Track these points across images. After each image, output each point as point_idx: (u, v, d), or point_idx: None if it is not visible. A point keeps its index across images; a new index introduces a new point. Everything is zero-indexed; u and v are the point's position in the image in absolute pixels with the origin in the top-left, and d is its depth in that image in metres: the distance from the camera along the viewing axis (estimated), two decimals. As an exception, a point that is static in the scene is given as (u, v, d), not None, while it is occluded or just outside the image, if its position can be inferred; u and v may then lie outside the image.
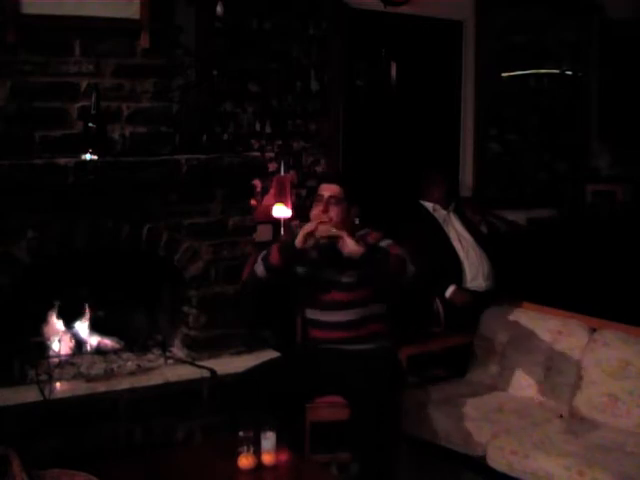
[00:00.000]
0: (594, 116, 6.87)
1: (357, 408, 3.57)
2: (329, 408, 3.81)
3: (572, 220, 6.41)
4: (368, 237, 3.76)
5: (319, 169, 5.45)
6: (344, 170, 5.54)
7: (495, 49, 6.28)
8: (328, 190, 3.79)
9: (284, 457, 3.25)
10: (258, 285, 3.85)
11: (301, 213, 5.08)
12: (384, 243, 3.70)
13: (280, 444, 3.24)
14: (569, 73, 6.75)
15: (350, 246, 3.53)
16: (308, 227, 3.62)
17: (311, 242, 3.61)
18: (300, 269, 3.86)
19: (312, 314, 3.91)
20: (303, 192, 5.36)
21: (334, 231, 3.58)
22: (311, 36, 5.38)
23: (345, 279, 3.77)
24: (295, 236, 3.68)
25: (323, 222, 3.64)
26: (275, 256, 3.69)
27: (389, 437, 3.52)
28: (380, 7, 5.61)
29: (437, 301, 4.87)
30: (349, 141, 5.64)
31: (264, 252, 3.77)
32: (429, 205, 5.21)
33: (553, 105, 6.67)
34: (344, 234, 3.55)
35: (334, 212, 3.73)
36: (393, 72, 5.91)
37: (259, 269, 3.75)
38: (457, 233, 5.17)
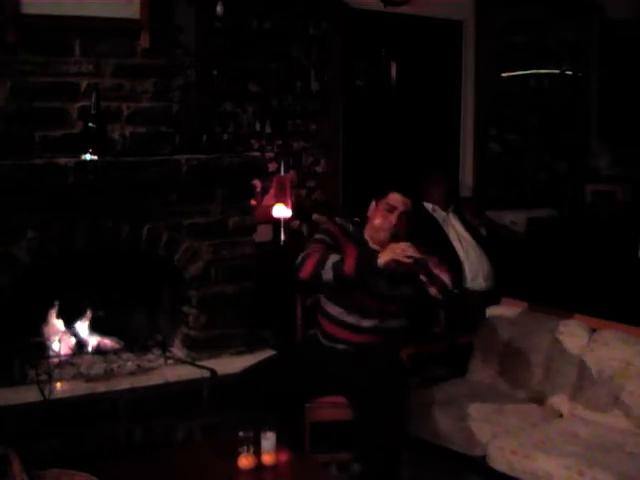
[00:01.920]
0: (594, 116, 6.88)
1: (361, 409, 3.56)
2: (329, 408, 3.81)
3: (572, 220, 6.41)
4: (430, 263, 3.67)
5: (319, 169, 5.45)
6: (344, 170, 5.54)
7: (495, 49, 6.28)
8: (402, 204, 3.72)
9: (284, 457, 3.25)
10: (322, 285, 3.75)
11: (301, 213, 5.10)
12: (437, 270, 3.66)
13: (280, 444, 3.23)
14: (569, 73, 6.76)
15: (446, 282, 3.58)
16: (401, 253, 3.47)
17: (393, 265, 3.50)
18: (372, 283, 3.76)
19: (335, 311, 3.84)
20: (303, 192, 5.36)
21: (418, 256, 3.50)
22: (311, 36, 5.39)
23: (389, 292, 3.76)
24: (374, 252, 3.60)
25: (409, 254, 3.49)
26: (351, 268, 3.50)
27: (393, 438, 3.50)
28: (380, 7, 5.61)
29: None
30: (349, 141, 5.64)
31: (336, 257, 3.55)
32: (429, 206, 5.21)
33: (553, 105, 6.68)
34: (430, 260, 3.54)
35: (401, 228, 3.68)
36: (393, 72, 5.91)
37: (327, 275, 3.53)
38: (457, 233, 5.18)
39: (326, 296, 3.89)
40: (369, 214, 3.82)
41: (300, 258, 3.64)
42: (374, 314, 3.78)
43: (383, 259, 3.48)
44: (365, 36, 5.72)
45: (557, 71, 6.68)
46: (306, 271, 3.59)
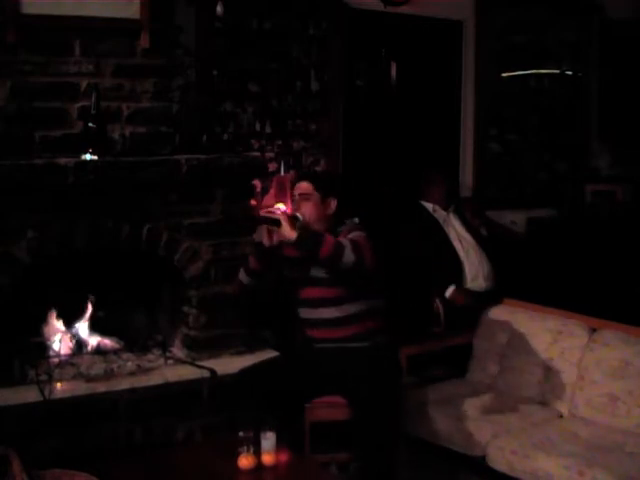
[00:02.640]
0: (594, 116, 6.87)
1: (358, 408, 3.58)
2: (328, 408, 3.81)
3: (572, 220, 6.41)
4: (344, 231, 3.77)
5: (319, 169, 5.45)
6: (344, 170, 5.54)
7: (495, 49, 6.28)
8: (298, 189, 3.88)
9: (284, 457, 3.25)
10: (246, 292, 3.95)
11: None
12: (353, 234, 3.70)
13: (280, 444, 3.24)
14: (569, 73, 6.75)
15: (285, 232, 3.55)
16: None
17: (276, 239, 3.63)
18: (285, 270, 3.89)
19: (304, 313, 3.91)
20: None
21: (272, 215, 3.67)
22: (311, 36, 5.38)
23: (319, 274, 3.77)
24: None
25: (268, 211, 3.79)
26: (252, 260, 3.82)
27: (390, 437, 3.53)
28: (380, 7, 5.61)
29: (437, 301, 4.88)
30: (349, 141, 5.64)
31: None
32: (429, 206, 5.21)
33: (553, 105, 6.68)
34: (283, 218, 3.58)
35: (305, 208, 3.79)
36: (393, 72, 5.91)
37: (242, 277, 3.88)
38: (457, 233, 5.18)
39: (294, 302, 3.96)
40: None
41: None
42: (332, 302, 3.79)
43: (263, 238, 3.70)
44: (365, 36, 5.72)
45: (557, 71, 6.67)
46: (234, 288, 4.06)
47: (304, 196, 3.83)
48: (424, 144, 5.98)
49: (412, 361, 4.29)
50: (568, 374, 4.12)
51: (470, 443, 3.88)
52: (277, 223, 3.57)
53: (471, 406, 4.09)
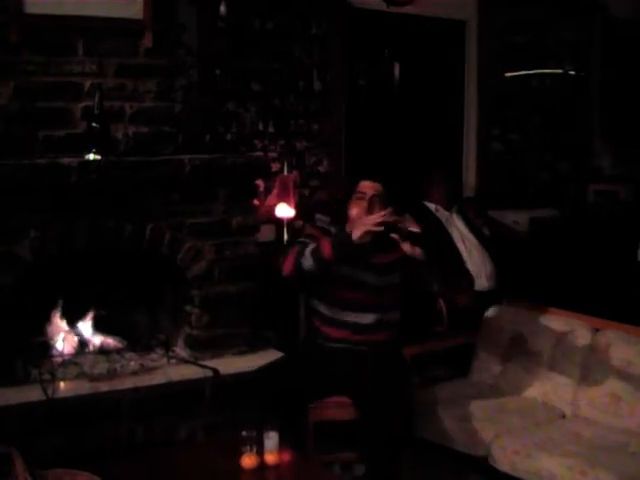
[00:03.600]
0: (596, 116, 6.87)
1: (367, 409, 3.56)
2: (332, 408, 3.81)
3: (574, 220, 6.41)
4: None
5: (322, 169, 5.45)
6: (347, 170, 5.54)
7: (498, 49, 6.28)
8: (371, 188, 3.79)
9: (287, 457, 3.25)
10: (305, 278, 3.76)
11: (304, 213, 5.09)
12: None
13: (283, 444, 3.24)
14: (572, 73, 6.75)
15: (408, 248, 3.53)
16: (370, 222, 3.53)
17: (368, 238, 3.53)
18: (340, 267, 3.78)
19: (329, 311, 3.88)
20: (306, 192, 5.36)
21: (396, 218, 3.55)
22: (313, 36, 5.38)
23: (373, 281, 3.78)
24: (348, 233, 3.62)
25: (380, 221, 3.53)
26: (327, 251, 3.59)
27: (399, 438, 3.51)
28: (383, 7, 5.60)
29: (440, 301, 4.88)
30: (352, 141, 5.64)
31: (312, 246, 3.65)
32: (431, 206, 5.21)
33: (555, 105, 6.68)
34: (405, 220, 3.56)
35: (377, 211, 3.65)
36: (396, 72, 5.91)
37: (307, 262, 3.62)
38: (460, 233, 5.18)
39: (318, 298, 3.93)
40: (348, 211, 3.87)
41: (282, 258, 3.75)
42: (367, 308, 3.80)
43: (356, 233, 3.53)
44: (368, 36, 5.72)
45: (559, 71, 6.67)
46: (287, 266, 3.71)
47: (377, 198, 3.75)
48: (427, 144, 5.98)
49: (414, 361, 4.29)
50: (571, 374, 4.12)
51: (473, 443, 3.89)
52: (404, 235, 3.53)
53: (474, 406, 4.09)
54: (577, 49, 6.73)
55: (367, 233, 3.51)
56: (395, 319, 3.90)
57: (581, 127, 6.83)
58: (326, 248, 3.60)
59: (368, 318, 3.81)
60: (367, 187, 3.79)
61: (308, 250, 3.64)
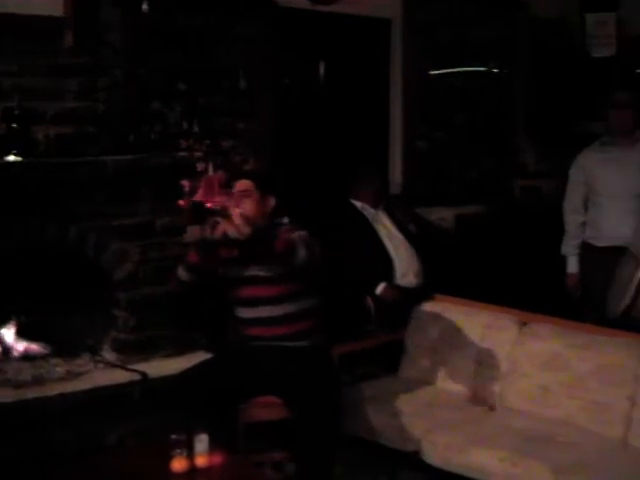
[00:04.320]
0: (520, 113, 6.97)
1: (297, 408, 3.57)
2: (263, 408, 3.80)
3: (500, 215, 6.49)
4: (284, 229, 3.76)
5: (249, 167, 5.42)
6: (273, 168, 5.52)
7: (423, 47, 6.32)
8: (239, 186, 3.84)
9: (218, 459, 3.22)
10: (185, 289, 3.84)
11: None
12: (296, 233, 3.70)
13: (214, 446, 3.21)
14: (496, 70, 6.83)
15: (240, 227, 3.47)
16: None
17: (220, 232, 3.53)
18: (222, 269, 3.85)
19: (241, 312, 3.90)
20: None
21: (226, 211, 3.57)
22: (239, 34, 5.35)
23: (263, 273, 3.77)
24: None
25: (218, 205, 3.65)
26: (192, 255, 3.72)
27: (330, 437, 3.52)
28: (308, 6, 5.60)
29: (369, 299, 4.89)
30: (278, 140, 5.62)
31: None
32: (358, 204, 5.23)
33: (480, 103, 6.75)
34: (235, 213, 3.51)
35: (246, 205, 3.74)
36: (321, 71, 5.91)
37: (181, 273, 3.76)
38: (387, 231, 5.20)
39: (231, 300, 3.94)
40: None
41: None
42: (271, 301, 3.80)
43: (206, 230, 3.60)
44: (293, 35, 5.71)
45: (484, 69, 6.75)
46: (172, 283, 3.87)
47: (244, 193, 3.80)
48: (354, 142, 6.00)
49: (344, 359, 4.29)
50: (499, 367, 4.17)
51: (404, 439, 3.90)
52: (227, 215, 3.52)
53: (404, 402, 4.11)
54: (501, 47, 6.82)
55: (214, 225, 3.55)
56: (310, 306, 3.88)
57: (506, 124, 6.93)
58: (192, 255, 3.72)
59: (278, 310, 3.81)
60: (235, 186, 3.86)
61: (180, 267, 3.77)
